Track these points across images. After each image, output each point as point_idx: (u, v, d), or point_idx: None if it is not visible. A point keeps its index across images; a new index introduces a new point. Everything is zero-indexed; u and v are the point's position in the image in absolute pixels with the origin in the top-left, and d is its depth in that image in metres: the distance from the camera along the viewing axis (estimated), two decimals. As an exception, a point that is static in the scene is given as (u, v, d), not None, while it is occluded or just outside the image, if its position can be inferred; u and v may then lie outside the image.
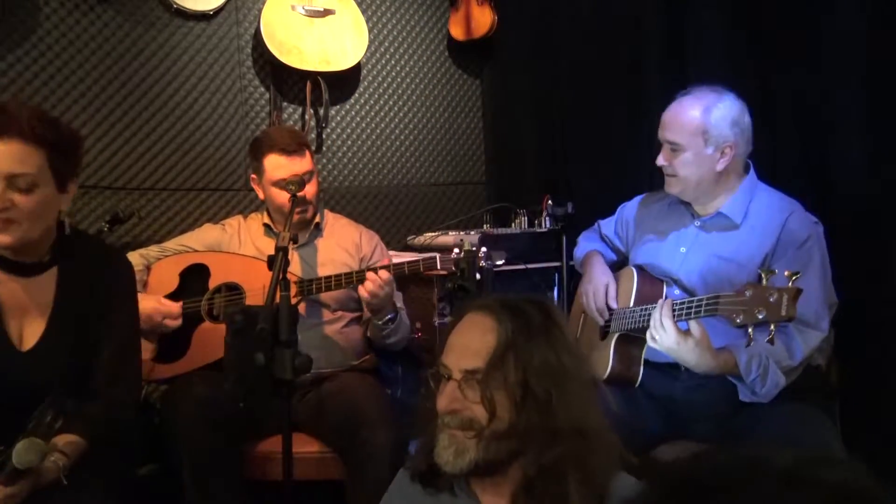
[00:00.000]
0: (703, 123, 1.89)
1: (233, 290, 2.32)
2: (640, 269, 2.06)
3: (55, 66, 2.74)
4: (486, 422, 1.10)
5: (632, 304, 1.99)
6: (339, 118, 3.25)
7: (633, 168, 2.62)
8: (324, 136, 3.21)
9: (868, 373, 2.06)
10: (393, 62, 3.35)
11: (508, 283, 2.63)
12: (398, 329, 2.32)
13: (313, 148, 2.82)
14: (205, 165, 3.00)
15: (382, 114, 3.34)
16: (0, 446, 1.42)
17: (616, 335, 2.00)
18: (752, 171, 1.98)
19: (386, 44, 3.34)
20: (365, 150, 3.31)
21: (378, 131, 3.33)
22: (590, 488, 1.09)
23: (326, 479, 2.13)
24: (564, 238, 2.66)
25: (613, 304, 2.06)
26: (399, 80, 3.37)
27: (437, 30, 3.44)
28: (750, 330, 1.58)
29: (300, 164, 2.32)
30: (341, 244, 2.46)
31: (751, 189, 1.96)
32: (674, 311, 1.74)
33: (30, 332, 1.61)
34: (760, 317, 1.55)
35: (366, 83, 3.30)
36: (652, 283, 2.02)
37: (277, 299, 1.65)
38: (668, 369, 1.96)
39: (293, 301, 1.79)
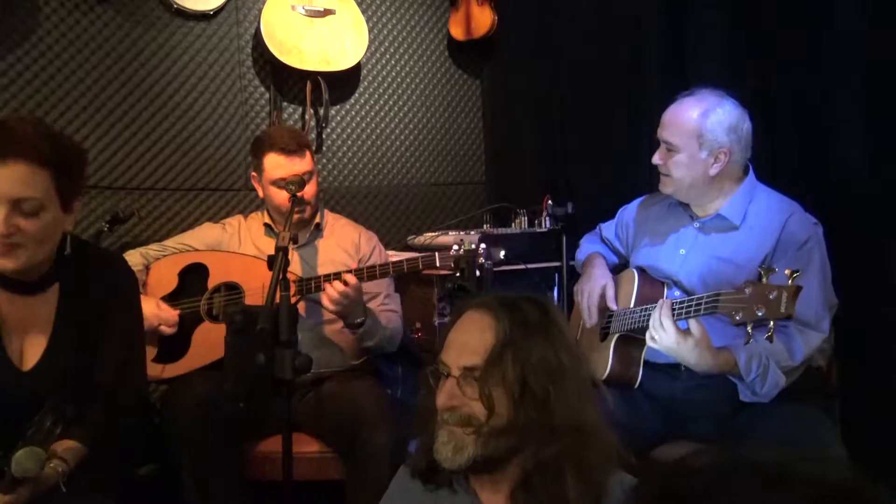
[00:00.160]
0: (699, 127, 1.89)
1: (232, 289, 2.32)
2: (641, 270, 2.06)
3: (55, 66, 2.74)
4: (485, 418, 1.11)
5: (632, 305, 1.99)
6: (339, 118, 3.25)
7: (633, 168, 2.62)
8: (324, 136, 3.21)
9: (868, 373, 2.06)
10: (393, 62, 3.35)
11: (508, 283, 2.64)
12: (372, 333, 2.26)
13: (313, 148, 2.82)
14: (205, 165, 3.00)
15: (382, 114, 3.34)
16: None
17: (616, 336, 2.00)
18: (751, 172, 1.98)
19: (386, 44, 3.34)
20: (365, 150, 3.31)
21: (378, 131, 3.33)
22: (587, 485, 1.10)
23: (326, 479, 2.13)
24: (564, 238, 2.66)
25: (613, 306, 2.06)
26: (399, 80, 3.37)
27: (437, 30, 3.44)
28: (749, 328, 1.58)
29: (299, 164, 2.32)
30: (341, 244, 2.46)
31: (750, 191, 1.96)
32: (673, 310, 1.74)
33: (31, 351, 1.57)
34: (760, 314, 1.55)
35: (366, 83, 3.30)
36: (652, 284, 2.02)
37: (277, 299, 1.65)
38: (668, 370, 1.96)
39: (292, 301, 1.79)
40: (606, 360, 1.98)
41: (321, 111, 3.14)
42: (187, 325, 2.27)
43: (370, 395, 2.19)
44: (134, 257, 2.36)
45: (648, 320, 1.79)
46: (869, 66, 2.05)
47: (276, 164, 2.31)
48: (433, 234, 3.08)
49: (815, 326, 1.80)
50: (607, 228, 2.35)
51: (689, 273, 1.97)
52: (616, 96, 2.81)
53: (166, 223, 2.93)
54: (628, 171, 2.69)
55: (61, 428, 1.45)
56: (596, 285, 2.09)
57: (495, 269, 2.26)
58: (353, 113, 3.28)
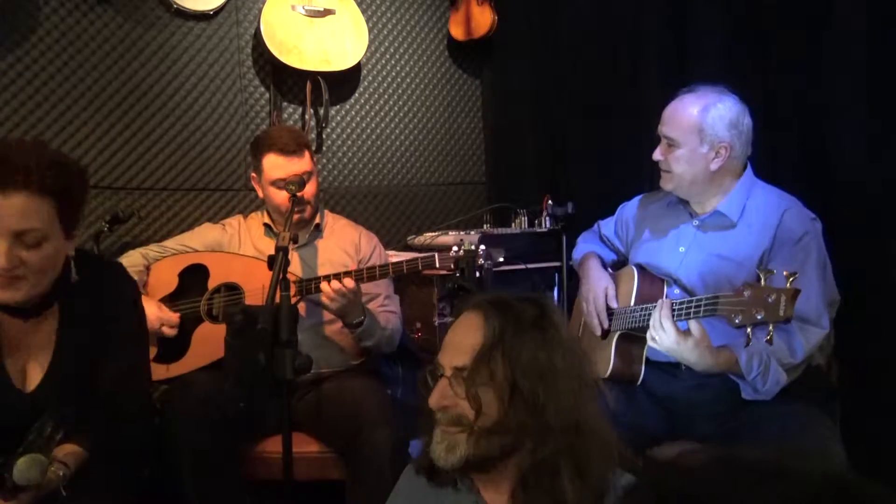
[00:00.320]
0: (699, 122, 1.89)
1: (232, 290, 2.32)
2: (640, 268, 2.06)
3: (55, 66, 2.75)
4: (473, 418, 1.12)
5: (632, 303, 2.00)
6: (339, 118, 3.25)
7: (633, 168, 2.62)
8: (324, 136, 3.21)
9: (868, 372, 2.06)
10: (393, 62, 3.35)
11: (508, 283, 2.64)
12: (371, 333, 2.27)
13: (313, 148, 2.82)
14: (205, 165, 3.00)
15: (382, 114, 3.34)
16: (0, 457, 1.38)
17: (617, 334, 2.00)
18: (749, 169, 1.98)
19: (386, 44, 3.34)
20: (365, 150, 3.31)
21: (378, 131, 3.33)
22: (586, 485, 1.10)
23: (326, 479, 2.13)
24: (564, 238, 2.66)
25: (613, 304, 2.06)
26: (399, 80, 3.37)
27: (437, 30, 3.44)
28: (749, 330, 1.58)
29: (298, 165, 2.32)
30: (340, 245, 2.46)
31: (748, 187, 1.96)
32: (673, 310, 1.75)
33: (33, 371, 1.55)
34: (759, 317, 1.56)
35: (366, 83, 3.30)
36: (652, 282, 2.02)
37: (277, 299, 1.65)
38: (670, 368, 1.97)
39: (292, 301, 1.79)
40: (608, 359, 1.99)
41: (321, 111, 3.14)
42: (187, 326, 2.27)
43: (370, 395, 2.19)
44: (134, 257, 2.36)
45: (648, 319, 1.79)
46: (869, 65, 2.05)
47: (276, 165, 2.31)
48: (433, 234, 3.08)
49: (815, 322, 1.80)
50: (606, 226, 2.35)
51: (688, 271, 1.97)
52: (616, 96, 2.81)
53: (166, 223, 2.93)
54: (628, 171, 2.69)
55: (62, 433, 1.43)
56: (599, 291, 2.09)
57: (495, 269, 2.26)
58: (353, 113, 3.28)
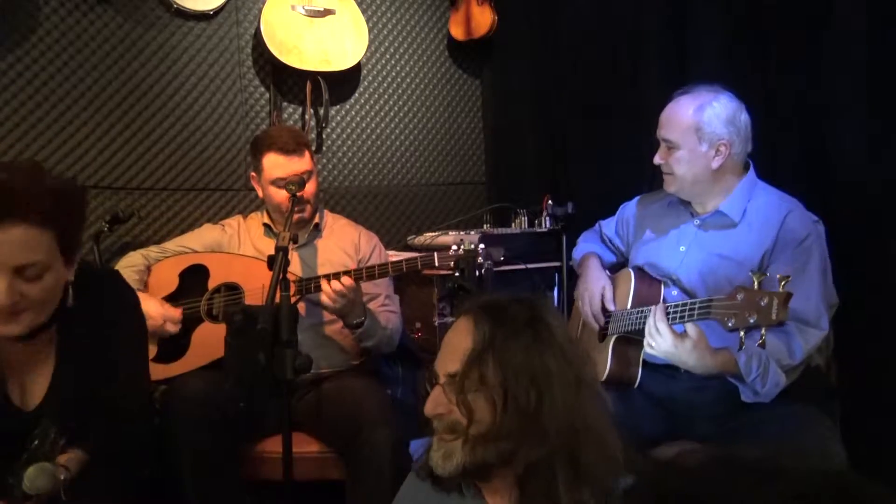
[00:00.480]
0: (696, 121, 1.90)
1: (232, 290, 2.32)
2: (637, 270, 2.06)
3: (55, 66, 2.75)
4: (466, 425, 1.10)
5: (629, 305, 2.00)
6: (339, 118, 3.25)
7: (633, 168, 2.62)
8: (324, 136, 3.21)
9: (868, 373, 2.06)
10: (393, 62, 3.35)
11: (508, 283, 2.64)
12: (372, 333, 2.26)
13: (313, 148, 2.82)
14: (205, 165, 3.00)
15: (382, 114, 3.34)
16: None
17: (614, 337, 2.00)
18: (751, 169, 1.98)
19: (386, 44, 3.34)
20: (365, 150, 3.31)
21: (378, 131, 3.33)
22: (586, 489, 1.08)
23: (326, 479, 2.13)
24: (564, 238, 2.66)
25: (611, 307, 2.06)
26: (399, 80, 3.37)
27: (437, 30, 3.44)
28: (741, 334, 1.58)
29: (298, 164, 2.32)
30: (340, 245, 2.46)
31: (750, 188, 1.96)
32: (668, 313, 1.74)
33: (34, 390, 1.52)
34: (752, 321, 1.55)
35: (366, 83, 3.30)
36: (650, 284, 2.02)
37: (277, 299, 1.65)
38: (668, 370, 1.96)
39: (292, 301, 1.79)
40: (605, 361, 1.98)
41: (321, 111, 3.14)
42: (187, 325, 2.27)
43: (370, 395, 2.18)
44: (135, 258, 2.37)
45: (645, 322, 1.79)
46: (869, 65, 2.05)
47: (276, 164, 2.31)
48: (433, 234, 3.08)
49: (814, 324, 1.80)
50: (607, 225, 2.35)
51: (688, 270, 1.97)
52: (616, 96, 2.81)
53: (166, 223, 2.93)
54: (628, 171, 2.69)
55: (64, 440, 1.42)
56: (595, 290, 2.09)
57: (495, 269, 2.26)
58: (353, 113, 3.28)
